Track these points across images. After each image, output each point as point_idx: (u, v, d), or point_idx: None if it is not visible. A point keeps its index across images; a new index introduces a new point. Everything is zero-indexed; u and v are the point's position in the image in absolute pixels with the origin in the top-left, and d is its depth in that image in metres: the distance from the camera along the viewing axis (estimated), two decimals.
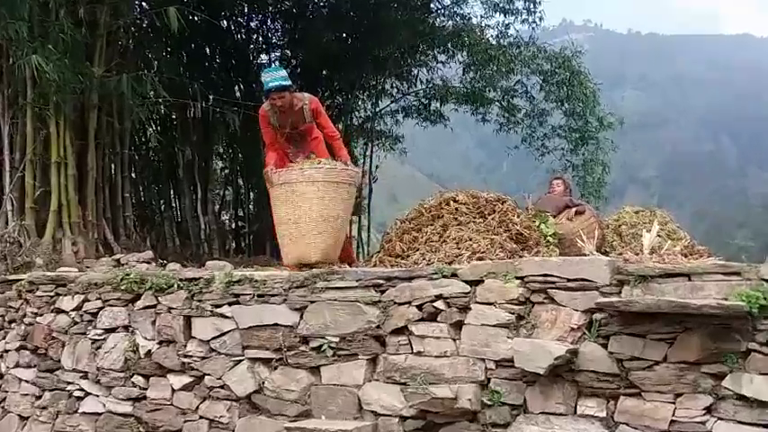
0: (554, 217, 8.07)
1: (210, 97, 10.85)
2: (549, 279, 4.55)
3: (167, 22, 8.47)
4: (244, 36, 13.30)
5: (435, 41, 14.10)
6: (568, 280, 4.49)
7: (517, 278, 4.67)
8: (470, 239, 6.14)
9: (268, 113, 6.12)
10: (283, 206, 5.61)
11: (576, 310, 4.45)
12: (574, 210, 8.39)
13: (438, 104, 15.44)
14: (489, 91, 15.03)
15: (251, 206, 13.62)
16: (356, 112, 15.05)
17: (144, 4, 10.76)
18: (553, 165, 15.15)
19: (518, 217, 6.48)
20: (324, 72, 13.65)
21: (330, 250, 5.57)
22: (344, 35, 13.53)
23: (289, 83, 6.00)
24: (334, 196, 5.54)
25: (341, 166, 5.65)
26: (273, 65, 5.90)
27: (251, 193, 13.65)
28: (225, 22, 12.83)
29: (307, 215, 5.50)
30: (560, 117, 14.97)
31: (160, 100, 10.39)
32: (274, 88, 5.90)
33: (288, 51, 13.86)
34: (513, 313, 4.62)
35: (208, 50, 12.86)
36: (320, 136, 6.31)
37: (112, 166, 9.78)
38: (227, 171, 14.26)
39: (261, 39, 13.65)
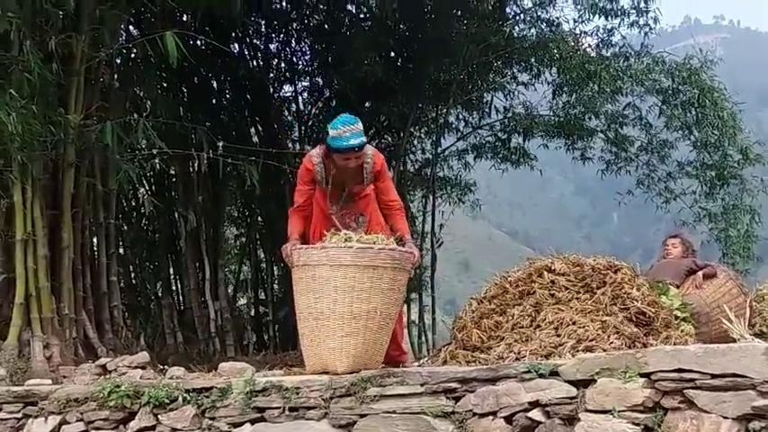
0: (677, 287, 7.97)
1: (220, 145, 11.03)
2: (687, 375, 4.47)
3: (163, 50, 8.45)
4: (261, 63, 13.62)
5: (514, 56, 14.28)
6: (713, 376, 4.41)
7: (642, 375, 4.61)
8: (574, 323, 6.09)
9: (315, 168, 6.34)
10: (303, 296, 5.72)
11: (726, 418, 4.35)
12: (701, 273, 8.28)
13: (521, 140, 15.55)
14: (590, 119, 15.08)
15: (275, 286, 13.74)
16: (411, 155, 15.22)
17: (132, 29, 11.10)
18: (682, 214, 14.99)
19: (638, 290, 6.41)
20: (367, 104, 13.85)
21: (364, 358, 5.62)
22: (393, 55, 13.78)
23: (365, 140, 6.29)
24: (371, 286, 5.61)
25: (379, 246, 5.70)
26: (346, 114, 6.26)
27: (275, 269, 13.78)
28: (236, 46, 13.20)
29: (330, 310, 5.58)
30: (689, 150, 14.88)
31: (155, 151, 10.60)
32: (352, 148, 6.14)
33: (319, 80, 14.17)
34: (638, 424, 4.54)
35: (215, 84, 13.24)
36: (372, 194, 6.49)
37: (94, 240, 9.96)
38: (243, 240, 14.46)
39: (284, 65, 13.99)
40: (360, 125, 6.25)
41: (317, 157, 6.32)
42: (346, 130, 6.16)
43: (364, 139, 6.28)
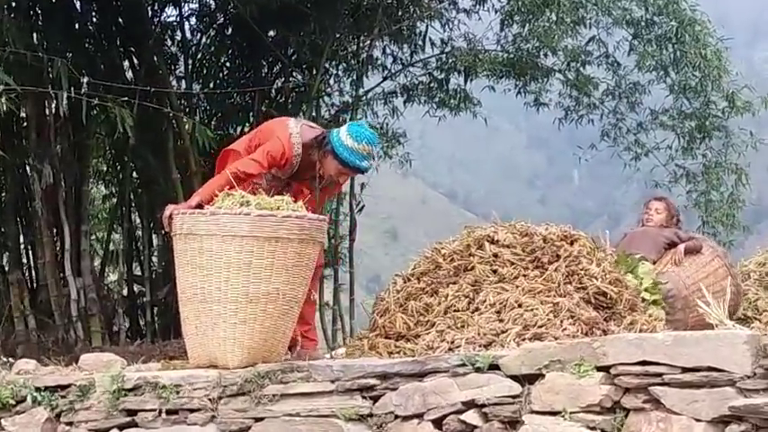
0: (653, 263, 8.10)
1: (84, 81, 10.84)
2: (653, 369, 4.56)
3: None
4: None
5: None
6: (684, 370, 4.50)
7: (600, 369, 4.69)
8: (520, 305, 6.15)
9: (294, 160, 6.50)
10: (187, 273, 5.69)
11: (699, 420, 4.45)
12: (683, 247, 8.42)
13: (461, 80, 15.54)
14: (545, 56, 15.14)
15: (154, 259, 13.60)
16: (326, 97, 15.13)
17: None
18: (655, 174, 15.21)
19: (598, 266, 6.49)
20: (271, 33, 13.74)
21: (261, 350, 5.64)
22: None
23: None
24: (272, 262, 5.61)
25: (283, 213, 5.72)
26: (368, 128, 6.57)
27: (154, 238, 13.64)
28: None
29: (221, 291, 5.57)
30: (664, 95, 15.09)
31: (1, 88, 10.42)
32: (360, 171, 6.69)
33: (210, 2, 13.97)
34: (593, 428, 4.62)
35: (78, 5, 12.97)
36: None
37: None
38: (113, 202, 14.27)
39: None
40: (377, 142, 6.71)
41: (298, 148, 6.49)
42: (367, 149, 6.47)
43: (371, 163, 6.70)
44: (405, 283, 6.69)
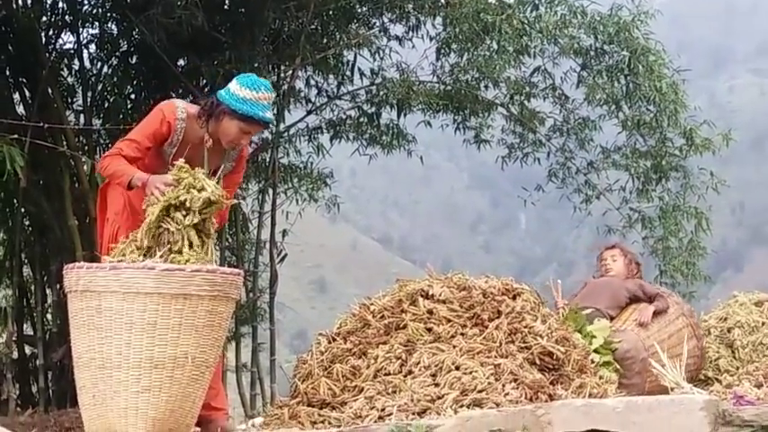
0: (611, 318, 8.19)
1: None
2: None
3: None
4: (29, 0, 13.32)
5: (384, 1, 14.31)
6: None
7: None
8: (458, 368, 6.19)
9: (176, 125, 6.50)
10: (83, 334, 5.66)
11: None
12: (651, 310, 8.51)
13: (394, 114, 15.60)
14: (486, 88, 15.27)
15: (48, 317, 13.46)
16: None
17: None
18: (608, 218, 15.35)
19: (544, 323, 6.55)
20: (181, 62, 13.71)
21: (168, 421, 5.60)
22: None
23: None
24: (180, 322, 5.60)
25: (192, 267, 5.70)
26: (257, 78, 6.51)
27: (48, 293, 13.49)
28: None
29: (122, 355, 5.54)
30: (616, 132, 15.29)
31: None
32: (267, 123, 6.74)
33: (113, 27, 13.92)
34: None
35: None
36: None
37: None
38: (1, 252, 14.10)
39: (62, 5, 13.71)
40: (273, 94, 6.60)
41: (183, 112, 6.48)
42: (265, 97, 6.44)
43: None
44: (330, 343, 6.70)
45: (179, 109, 6.50)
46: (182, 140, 6.51)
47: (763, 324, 9.05)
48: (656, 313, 8.46)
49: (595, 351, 7.17)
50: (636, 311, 8.53)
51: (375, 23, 15.00)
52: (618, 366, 7.46)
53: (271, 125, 6.55)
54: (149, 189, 5.99)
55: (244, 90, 6.38)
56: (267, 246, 14.64)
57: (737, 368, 8.51)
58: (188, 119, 6.48)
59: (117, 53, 13.89)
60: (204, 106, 6.49)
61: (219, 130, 6.44)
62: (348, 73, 15.19)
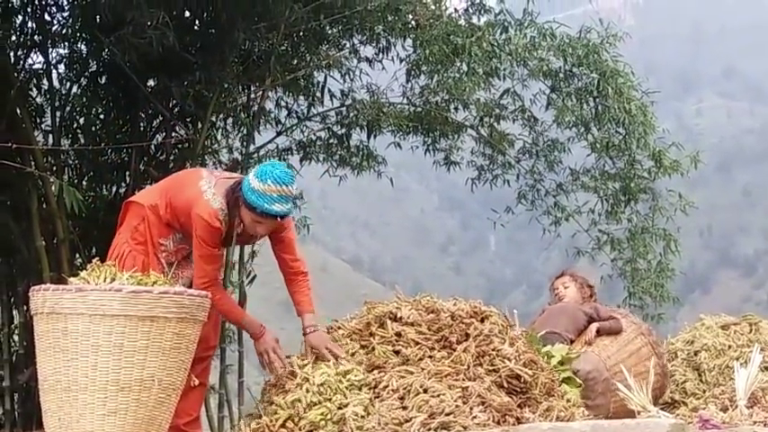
0: (571, 341, 8.22)
1: None
2: None
3: None
4: None
5: (354, 22, 14.34)
6: None
7: None
8: (425, 391, 6.19)
9: (223, 228, 6.82)
10: (48, 357, 5.65)
11: None
12: (595, 327, 8.57)
13: (364, 136, 15.61)
14: (456, 110, 15.32)
15: (14, 339, 13.37)
16: (213, 154, 15.07)
17: None
18: (577, 240, 15.40)
19: (512, 345, 6.56)
20: (151, 83, 13.66)
21: None
22: (188, 15, 13.64)
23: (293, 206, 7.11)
24: (146, 344, 5.60)
25: (160, 289, 5.75)
26: (283, 167, 6.75)
27: (14, 314, 13.40)
28: None
29: (88, 378, 5.53)
30: (585, 154, 15.39)
31: None
32: (274, 216, 6.75)
33: (82, 47, 13.88)
34: None
35: None
36: None
37: None
38: None
39: (31, 24, 13.66)
40: (294, 188, 6.82)
41: (224, 211, 6.75)
42: (277, 190, 6.63)
43: (292, 206, 6.89)
44: (298, 365, 6.68)
45: (219, 211, 6.76)
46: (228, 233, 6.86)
47: (730, 347, 9.10)
48: (610, 333, 8.51)
49: (559, 370, 7.18)
50: (589, 331, 8.59)
51: (345, 45, 15.04)
52: (580, 383, 7.46)
53: (288, 212, 6.65)
54: (261, 348, 7.12)
55: (255, 181, 6.61)
56: (236, 267, 14.59)
57: (704, 391, 8.54)
58: (229, 209, 6.79)
59: (86, 73, 13.85)
60: (228, 194, 6.76)
61: (242, 217, 6.75)
62: (318, 94, 15.22)
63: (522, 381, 6.42)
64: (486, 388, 6.21)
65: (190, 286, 6.69)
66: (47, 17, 13.60)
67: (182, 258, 6.86)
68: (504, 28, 14.48)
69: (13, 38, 13.36)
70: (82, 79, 13.99)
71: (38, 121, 13.72)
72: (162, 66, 12.82)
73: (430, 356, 6.44)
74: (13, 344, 13.46)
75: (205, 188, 6.78)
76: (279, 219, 6.77)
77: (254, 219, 6.67)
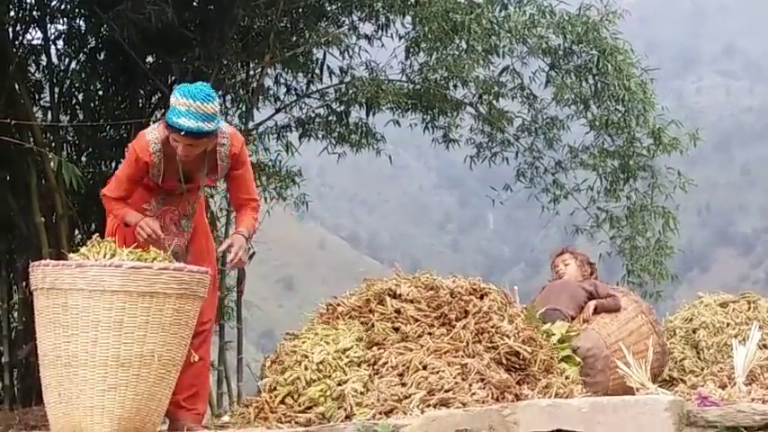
0: (572, 318, 8.22)
1: None
2: None
3: None
4: None
5: (354, 0, 14.32)
6: None
7: None
8: (425, 367, 6.19)
9: (153, 159, 6.52)
10: (49, 332, 5.65)
11: None
12: (593, 304, 8.56)
13: (363, 113, 15.59)
14: (455, 87, 15.29)
15: (13, 315, 13.38)
16: None
17: None
18: (576, 217, 15.39)
19: (510, 322, 6.56)
20: (149, 59, 13.64)
21: (134, 420, 5.60)
22: None
23: (215, 126, 6.48)
24: (146, 320, 5.60)
25: (159, 264, 5.72)
26: (204, 85, 6.36)
27: (13, 291, 13.41)
28: None
29: (88, 353, 5.54)
30: (584, 131, 15.37)
31: None
32: (190, 132, 6.31)
33: (81, 23, 13.85)
34: None
35: None
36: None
37: None
38: None
39: (31, 1, 13.61)
40: (213, 105, 6.39)
41: (156, 143, 6.48)
42: (185, 103, 6.30)
43: (211, 125, 6.39)
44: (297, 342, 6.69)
45: (151, 143, 6.49)
46: (164, 162, 6.53)
47: (728, 325, 9.10)
48: (608, 311, 8.51)
49: (558, 348, 7.18)
50: (588, 308, 8.58)
51: (344, 22, 14.99)
52: (579, 360, 7.46)
53: (202, 130, 6.28)
54: (137, 230, 6.33)
55: (172, 97, 6.42)
56: None
57: (702, 369, 8.54)
58: (163, 143, 6.48)
59: (85, 49, 13.82)
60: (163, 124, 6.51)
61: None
62: (317, 71, 15.18)
63: (521, 358, 6.42)
64: (485, 365, 6.21)
65: (180, 254, 6.61)
66: None
67: (170, 222, 6.74)
68: (503, 5, 14.39)
69: (12, 13, 13.32)
70: (81, 55, 13.96)
71: (36, 97, 13.69)
72: (161, 42, 12.79)
73: (429, 333, 6.43)
74: (12, 320, 13.47)
75: (146, 130, 6.68)
76: (195, 136, 6.32)
77: (172, 137, 6.40)
